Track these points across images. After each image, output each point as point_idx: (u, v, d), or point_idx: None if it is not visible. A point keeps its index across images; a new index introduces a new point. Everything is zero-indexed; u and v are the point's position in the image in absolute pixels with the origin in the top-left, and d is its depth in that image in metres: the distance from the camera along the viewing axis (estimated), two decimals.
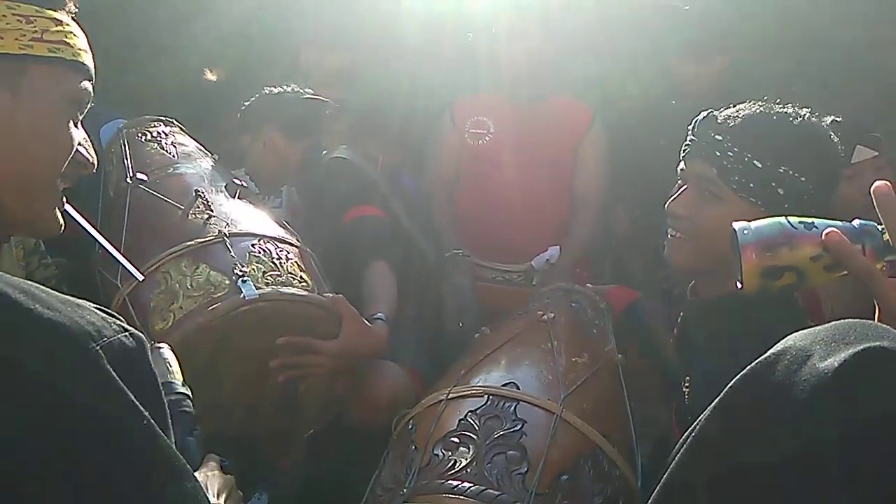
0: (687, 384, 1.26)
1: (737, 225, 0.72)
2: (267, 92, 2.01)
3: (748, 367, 0.65)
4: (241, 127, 2.02)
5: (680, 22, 2.19)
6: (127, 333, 0.66)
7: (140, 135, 1.89)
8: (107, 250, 1.27)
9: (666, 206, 1.29)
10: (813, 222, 0.70)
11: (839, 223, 0.71)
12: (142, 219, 1.59)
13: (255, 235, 1.56)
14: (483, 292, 2.17)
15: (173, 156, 1.80)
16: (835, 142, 1.23)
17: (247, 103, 2.03)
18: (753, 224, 0.72)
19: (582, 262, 2.33)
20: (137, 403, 0.62)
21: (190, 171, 1.74)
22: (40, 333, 0.59)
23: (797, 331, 0.71)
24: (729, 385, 0.66)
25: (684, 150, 1.27)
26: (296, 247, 1.61)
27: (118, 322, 0.66)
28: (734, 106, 1.27)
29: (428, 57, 2.67)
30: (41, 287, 0.63)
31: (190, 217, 1.57)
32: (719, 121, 1.22)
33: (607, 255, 2.46)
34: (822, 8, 2.35)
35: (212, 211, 1.58)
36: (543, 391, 1.32)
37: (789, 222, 0.71)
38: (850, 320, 0.63)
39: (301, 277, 1.55)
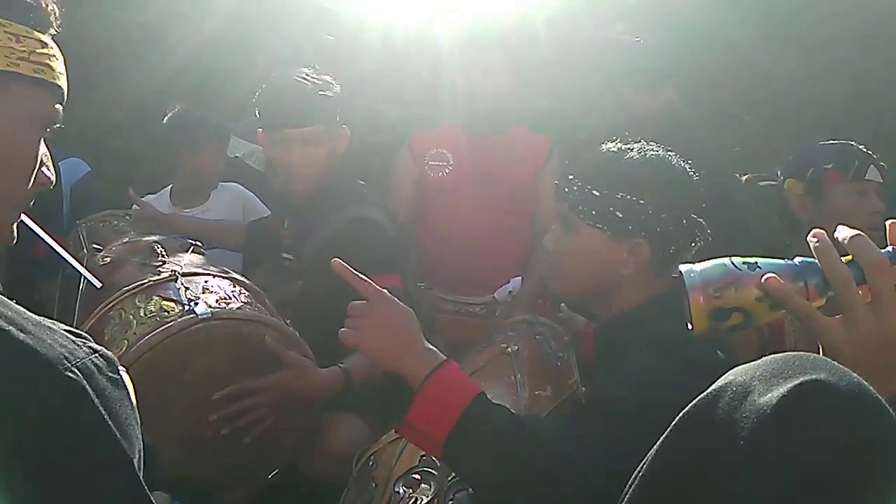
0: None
1: (683, 267, 0.73)
2: None
3: (690, 405, 0.65)
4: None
5: (631, 54, 2.23)
6: (97, 354, 0.68)
7: (99, 223, 2.07)
8: (64, 259, 1.28)
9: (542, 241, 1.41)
10: (756, 262, 0.71)
11: (781, 262, 0.72)
12: (100, 279, 1.61)
13: (207, 273, 1.55)
14: (446, 325, 2.14)
15: (126, 227, 1.95)
16: (673, 167, 1.32)
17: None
18: (699, 266, 0.73)
19: (544, 294, 2.32)
20: (110, 424, 0.64)
21: (144, 238, 1.83)
22: (14, 356, 0.61)
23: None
24: (673, 424, 0.65)
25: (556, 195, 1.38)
26: (250, 286, 1.59)
27: (88, 343, 0.68)
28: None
29: (387, 93, 2.69)
30: (14, 307, 0.66)
31: (145, 265, 1.58)
32: (577, 164, 1.35)
33: None
34: (764, 42, 2.43)
35: (166, 258, 1.58)
36: None
37: (733, 264, 0.72)
38: (792, 353, 0.64)
39: (257, 307, 1.54)
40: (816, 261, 0.71)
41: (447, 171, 2.31)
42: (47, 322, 0.68)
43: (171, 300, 1.44)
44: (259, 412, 1.48)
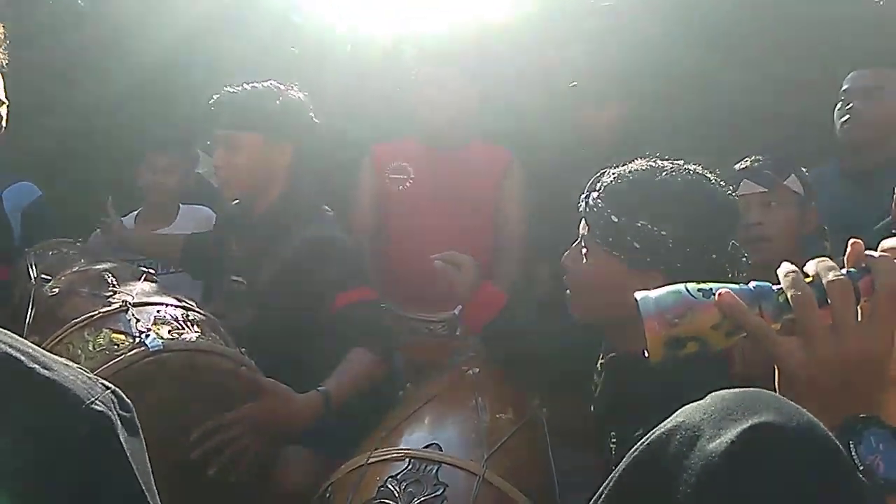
0: (613, 439, 1.23)
1: (638, 295, 0.71)
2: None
3: (640, 446, 0.64)
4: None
5: (579, 70, 2.25)
6: (111, 391, 0.71)
7: (48, 251, 2.05)
8: None
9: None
10: (711, 289, 0.70)
11: (735, 286, 0.71)
12: (48, 312, 1.59)
13: (160, 304, 1.51)
14: (407, 346, 2.13)
15: (76, 256, 1.91)
16: (709, 192, 1.20)
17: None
18: (654, 294, 0.71)
19: None
20: (129, 457, 0.67)
21: (95, 266, 1.77)
22: (43, 393, 0.65)
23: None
24: (622, 465, 0.65)
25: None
26: (203, 315, 1.55)
27: (101, 381, 0.71)
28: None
29: (350, 108, 2.67)
30: (28, 344, 0.69)
31: (96, 295, 1.54)
32: (601, 180, 1.25)
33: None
34: (714, 55, 2.47)
35: (117, 288, 1.54)
36: (467, 451, 1.29)
37: (688, 291, 0.70)
38: (742, 390, 0.63)
39: (211, 336, 1.50)
40: (770, 285, 0.71)
41: (408, 184, 2.30)
42: (60, 359, 0.71)
43: (122, 332, 1.39)
44: (241, 443, 1.42)
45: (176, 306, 1.54)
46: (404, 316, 2.27)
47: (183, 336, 1.43)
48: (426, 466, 1.22)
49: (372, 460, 1.25)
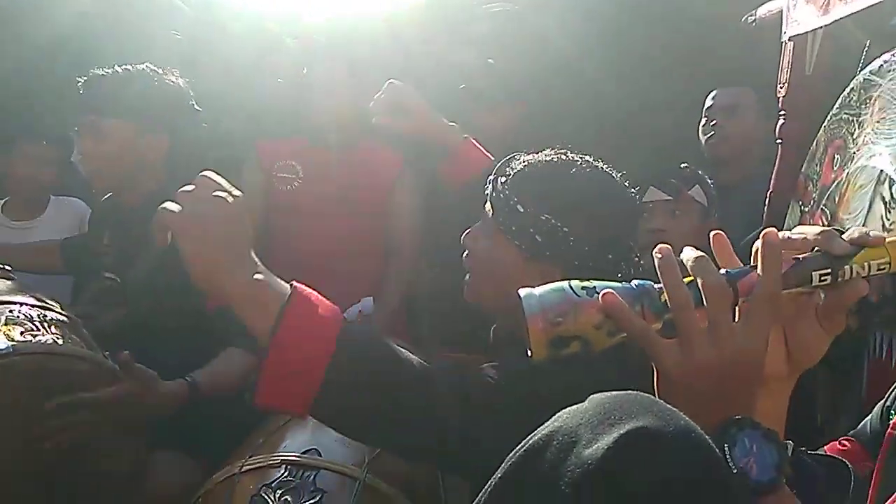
0: None
1: (522, 292, 0.69)
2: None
3: (520, 451, 0.62)
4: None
5: (469, 72, 2.26)
6: None
7: None
8: None
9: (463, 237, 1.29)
10: (594, 287, 0.69)
11: (618, 285, 0.70)
12: None
13: (14, 303, 1.39)
14: None
15: None
16: (615, 194, 1.21)
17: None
18: (538, 291, 0.69)
19: (399, 315, 2.28)
20: None
21: None
22: None
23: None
24: (499, 471, 0.63)
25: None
26: (64, 315, 1.44)
27: None
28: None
29: (230, 104, 2.56)
30: None
31: None
32: (510, 165, 1.23)
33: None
34: (603, 59, 2.55)
35: None
36: (347, 455, 1.25)
37: (572, 289, 0.69)
38: (620, 394, 0.62)
39: (70, 338, 1.39)
40: (653, 284, 0.70)
41: (296, 184, 2.22)
42: None
43: None
44: (84, 429, 1.30)
45: (33, 306, 1.41)
46: None
47: (37, 338, 1.32)
48: (304, 473, 1.17)
49: (246, 468, 1.19)
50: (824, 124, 1.56)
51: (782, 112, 1.81)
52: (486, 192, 1.23)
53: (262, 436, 1.30)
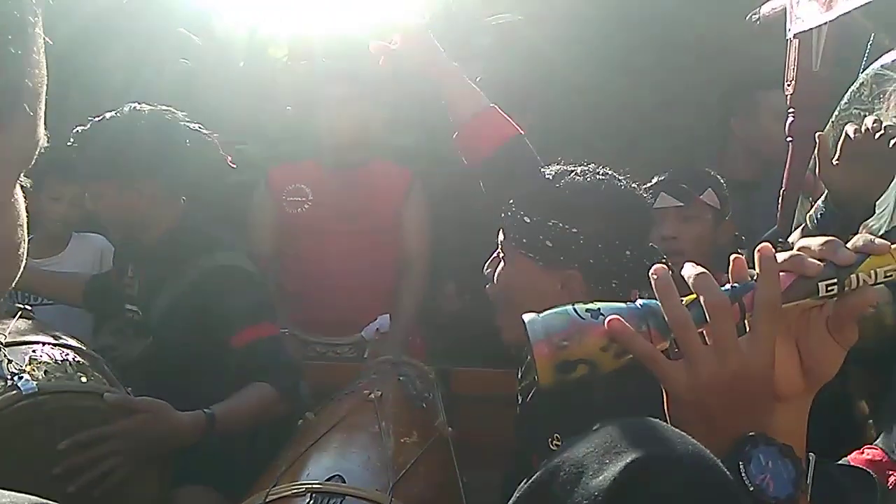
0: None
1: (526, 318, 0.68)
2: None
3: (529, 482, 0.62)
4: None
5: (480, 87, 2.26)
6: None
7: None
8: None
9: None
10: (599, 309, 0.68)
11: (623, 305, 0.69)
12: None
13: (36, 342, 1.40)
14: (313, 371, 2.07)
15: None
16: (618, 191, 1.22)
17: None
18: (542, 316, 0.68)
19: (415, 331, 2.29)
20: None
21: None
22: None
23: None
24: (511, 502, 0.63)
25: None
26: (86, 353, 1.45)
27: None
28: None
29: (246, 128, 2.59)
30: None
31: None
32: (517, 188, 1.25)
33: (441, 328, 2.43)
34: (605, 69, 2.55)
35: None
36: (371, 480, 1.25)
37: (576, 312, 0.68)
38: (626, 420, 0.62)
39: (93, 376, 1.41)
40: (657, 302, 0.69)
41: (306, 206, 2.25)
42: None
43: None
44: (113, 461, 1.31)
45: (54, 345, 1.43)
46: (309, 341, 2.21)
47: (61, 377, 1.33)
48: (329, 500, 1.17)
49: (270, 498, 1.19)
50: (831, 119, 1.55)
51: (791, 109, 1.79)
52: (500, 221, 1.24)
53: (284, 464, 1.30)
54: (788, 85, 1.79)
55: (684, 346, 0.66)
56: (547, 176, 1.24)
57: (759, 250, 0.67)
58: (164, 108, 1.76)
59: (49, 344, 1.43)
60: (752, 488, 0.63)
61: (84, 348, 1.50)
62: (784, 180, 1.84)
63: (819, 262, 0.68)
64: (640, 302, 0.69)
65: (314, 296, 2.23)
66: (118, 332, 2.05)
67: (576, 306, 0.69)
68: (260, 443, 1.61)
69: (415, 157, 2.43)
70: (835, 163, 1.33)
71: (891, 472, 1.02)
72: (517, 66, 2.36)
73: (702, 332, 0.67)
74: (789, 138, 1.81)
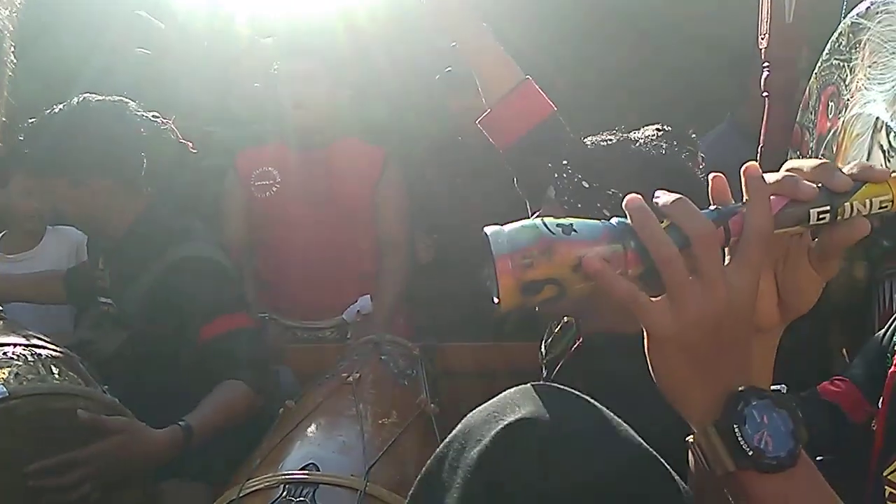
0: None
1: (489, 230, 0.60)
2: None
3: (432, 458, 0.62)
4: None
5: (451, 58, 2.21)
6: None
7: None
8: None
9: None
10: (572, 224, 0.60)
11: (598, 223, 0.62)
12: None
13: (6, 344, 1.38)
14: (296, 355, 2.05)
15: None
16: (679, 166, 1.18)
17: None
18: (507, 228, 0.61)
19: (399, 309, 2.27)
20: None
21: None
22: None
23: None
24: (418, 478, 0.63)
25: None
26: (59, 352, 1.43)
27: None
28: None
29: (214, 112, 2.54)
30: None
31: None
32: (573, 148, 1.20)
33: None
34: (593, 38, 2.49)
35: None
36: (347, 465, 1.23)
37: (546, 226, 0.60)
38: (520, 387, 0.60)
39: (67, 375, 1.38)
40: None
41: (274, 189, 2.20)
42: None
43: None
44: (84, 488, 1.30)
45: (26, 345, 1.40)
46: (290, 326, 2.19)
47: (33, 379, 1.31)
48: (303, 490, 1.15)
49: (245, 492, 1.17)
50: (815, 71, 1.51)
51: (766, 64, 1.75)
52: (550, 177, 1.18)
53: (260, 455, 1.29)
54: (762, 39, 1.75)
55: (671, 282, 0.58)
56: (608, 141, 1.19)
57: (745, 170, 0.61)
58: (114, 98, 1.71)
59: (21, 345, 1.40)
60: (750, 452, 0.58)
61: (57, 347, 1.47)
62: (762, 135, 1.81)
63: (814, 186, 0.62)
64: (615, 220, 0.63)
65: (290, 281, 2.20)
66: (97, 326, 2.03)
67: (545, 220, 0.62)
68: (244, 432, 1.60)
69: (388, 132, 2.38)
70: None
71: (863, 407, 1.00)
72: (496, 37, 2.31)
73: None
74: (765, 93, 1.77)
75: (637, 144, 1.17)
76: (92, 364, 1.61)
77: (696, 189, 1.14)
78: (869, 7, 1.36)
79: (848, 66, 1.38)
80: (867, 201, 0.62)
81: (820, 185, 0.62)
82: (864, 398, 1.03)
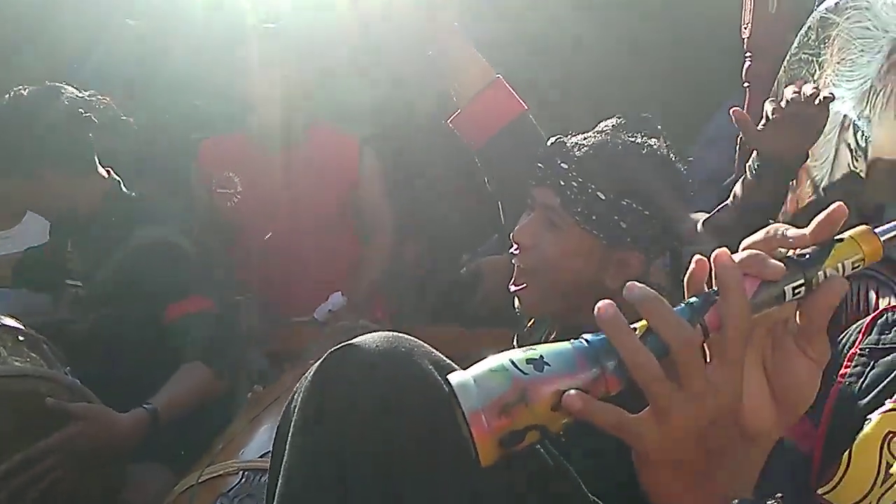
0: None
1: (455, 380, 0.56)
2: None
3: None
4: None
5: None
6: None
7: None
8: None
9: (511, 234, 1.18)
10: (542, 357, 0.56)
11: (569, 348, 0.57)
12: None
13: None
14: (275, 336, 2.05)
15: None
16: (681, 173, 1.17)
17: None
18: (474, 375, 0.56)
19: (377, 299, 2.24)
20: None
21: None
22: None
23: None
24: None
25: (532, 177, 1.17)
26: (24, 333, 1.43)
27: None
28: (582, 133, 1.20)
29: (201, 85, 2.49)
30: None
31: None
32: (566, 148, 1.14)
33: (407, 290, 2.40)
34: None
35: None
36: None
37: (515, 365, 0.56)
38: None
39: (29, 356, 1.39)
40: (604, 336, 0.57)
41: (235, 199, 2.11)
42: None
43: None
44: (53, 476, 1.30)
45: None
46: (287, 322, 2.14)
47: None
48: (261, 477, 1.16)
49: (203, 478, 1.17)
50: (784, 64, 1.49)
51: (748, 54, 1.73)
52: (539, 179, 1.14)
53: (222, 441, 1.29)
54: (745, 28, 1.72)
55: (653, 399, 0.55)
56: (613, 145, 1.14)
57: (715, 258, 0.56)
58: (46, 86, 1.68)
59: None
60: None
61: (23, 328, 1.47)
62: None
63: (780, 263, 0.57)
64: (587, 337, 0.58)
65: (262, 282, 2.15)
66: (75, 306, 2.02)
67: (513, 358, 0.57)
68: (211, 417, 1.60)
69: (364, 117, 2.34)
70: (761, 127, 1.27)
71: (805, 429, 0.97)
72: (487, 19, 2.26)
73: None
74: (746, 83, 1.75)
75: (644, 151, 1.13)
76: (68, 344, 1.62)
77: (682, 193, 1.17)
78: (838, 2, 1.33)
79: (817, 61, 1.36)
80: (839, 265, 0.59)
81: (790, 255, 0.58)
82: (811, 424, 0.98)
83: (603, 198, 1.09)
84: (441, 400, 0.61)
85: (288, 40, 2.03)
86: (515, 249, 1.16)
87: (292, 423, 0.71)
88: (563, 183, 1.11)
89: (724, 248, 0.56)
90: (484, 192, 1.43)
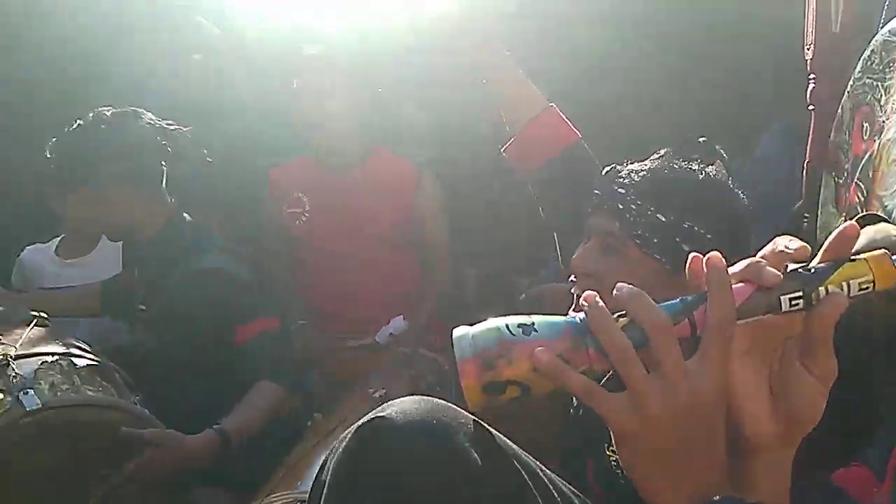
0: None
1: (457, 332, 0.63)
2: None
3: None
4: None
5: None
6: None
7: None
8: None
9: (571, 262, 1.16)
10: (533, 324, 0.62)
11: (561, 320, 0.62)
12: None
13: (45, 353, 1.44)
14: (329, 363, 2.08)
15: None
16: (740, 198, 1.16)
17: None
18: (473, 331, 0.62)
19: (435, 327, 2.22)
20: None
21: None
22: None
23: None
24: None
25: (589, 205, 1.17)
26: (94, 362, 1.49)
27: None
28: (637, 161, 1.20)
29: (257, 115, 2.57)
30: None
31: None
32: (622, 174, 1.14)
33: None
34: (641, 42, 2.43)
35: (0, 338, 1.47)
36: None
37: (508, 328, 0.62)
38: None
39: (101, 386, 1.44)
40: None
41: (304, 218, 2.18)
42: None
43: (2, 390, 1.32)
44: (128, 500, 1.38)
45: (63, 355, 1.46)
46: (344, 344, 2.17)
47: (67, 390, 1.37)
48: None
49: None
50: (848, 89, 1.43)
51: (812, 76, 1.67)
52: (596, 205, 1.14)
53: (282, 470, 1.31)
54: (807, 49, 1.67)
55: (628, 381, 0.58)
56: (671, 169, 1.14)
57: (707, 260, 0.60)
58: (128, 109, 1.76)
59: (59, 354, 1.46)
60: None
61: (95, 357, 1.53)
62: (808, 150, 1.74)
63: (776, 271, 0.59)
64: (580, 316, 0.62)
65: (324, 302, 2.20)
66: (141, 328, 2.09)
67: (508, 321, 0.63)
68: (275, 442, 1.63)
69: (427, 142, 2.37)
70: None
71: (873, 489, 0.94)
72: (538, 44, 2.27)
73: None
74: (811, 106, 1.70)
75: (702, 176, 1.13)
76: (138, 366, 1.68)
77: (747, 217, 1.15)
78: None
79: (882, 85, 1.30)
80: (844, 285, 0.59)
81: (797, 269, 0.60)
82: (875, 479, 0.93)
83: (663, 220, 1.08)
84: (475, 480, 0.64)
85: (343, 70, 2.07)
86: (574, 277, 1.14)
87: (323, 497, 0.68)
88: (621, 207, 1.10)
89: (717, 253, 0.60)
90: (541, 218, 1.43)
